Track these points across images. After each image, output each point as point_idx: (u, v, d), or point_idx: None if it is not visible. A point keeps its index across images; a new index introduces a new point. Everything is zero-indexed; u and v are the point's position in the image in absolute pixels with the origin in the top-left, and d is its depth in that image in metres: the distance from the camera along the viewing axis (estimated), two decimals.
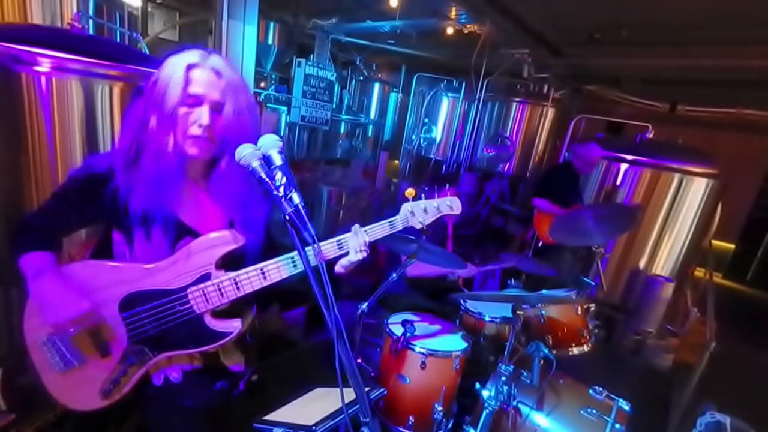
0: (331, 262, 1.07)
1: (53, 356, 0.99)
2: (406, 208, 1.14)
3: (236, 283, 0.98)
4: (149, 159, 0.96)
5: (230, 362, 1.13)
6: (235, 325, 1.02)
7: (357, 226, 1.07)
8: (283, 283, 1.01)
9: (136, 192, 0.95)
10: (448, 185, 2.69)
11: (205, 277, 0.98)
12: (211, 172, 1.06)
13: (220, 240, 1.00)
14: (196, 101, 0.96)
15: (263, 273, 0.98)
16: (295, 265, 0.99)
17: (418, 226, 1.16)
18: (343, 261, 1.07)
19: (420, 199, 1.16)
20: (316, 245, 0.84)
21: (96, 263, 1.00)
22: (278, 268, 0.99)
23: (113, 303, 0.98)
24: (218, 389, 1.12)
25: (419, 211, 1.15)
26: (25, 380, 1.19)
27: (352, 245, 1.04)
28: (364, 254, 1.05)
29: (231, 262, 1.01)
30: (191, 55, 0.98)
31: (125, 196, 0.95)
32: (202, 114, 0.96)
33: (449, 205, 1.20)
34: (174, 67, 0.96)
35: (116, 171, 0.96)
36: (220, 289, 0.97)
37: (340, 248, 1.04)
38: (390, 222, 1.12)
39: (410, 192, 1.17)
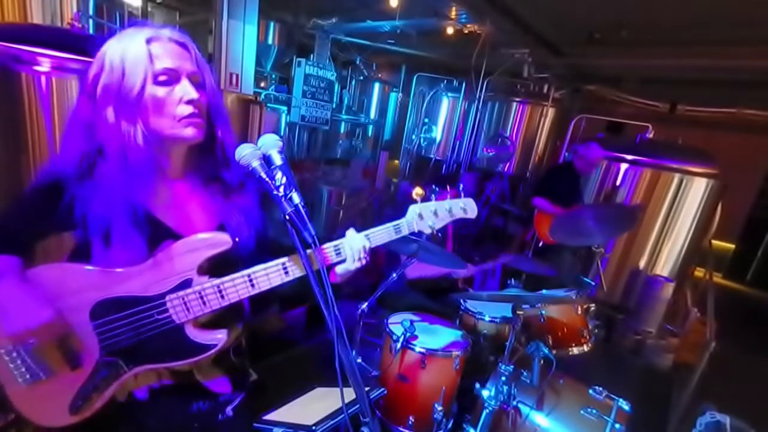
0: (328, 269, 0.96)
1: (17, 368, 0.88)
2: (414, 210, 1.00)
3: (220, 291, 0.88)
4: (115, 160, 0.84)
5: (206, 379, 1.01)
6: (219, 337, 0.92)
7: (352, 230, 0.95)
8: (282, 286, 0.92)
9: (101, 199, 0.83)
10: (448, 187, 2.69)
11: (186, 284, 0.88)
12: (198, 163, 0.96)
13: (204, 242, 0.89)
14: (171, 76, 0.84)
15: (251, 280, 0.89)
16: (287, 273, 0.90)
17: (428, 231, 1.01)
18: (339, 269, 0.96)
19: (430, 200, 1.03)
20: (316, 248, 0.79)
21: (63, 266, 0.89)
22: (267, 276, 0.89)
23: (84, 310, 0.87)
24: (196, 411, 1.00)
25: (429, 213, 1.00)
26: None
27: (349, 252, 0.92)
28: (363, 262, 0.94)
29: (220, 266, 0.91)
30: (142, 30, 0.85)
31: (88, 205, 0.83)
32: (186, 89, 0.85)
33: (463, 207, 1.04)
34: (127, 44, 0.82)
35: (69, 182, 0.84)
36: (201, 297, 0.88)
37: (338, 254, 0.93)
38: (395, 226, 0.98)
39: (419, 192, 1.05)
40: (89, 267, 0.88)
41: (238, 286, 0.89)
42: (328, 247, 0.93)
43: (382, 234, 0.97)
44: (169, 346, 0.91)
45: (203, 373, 1.00)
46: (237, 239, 0.93)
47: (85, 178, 0.84)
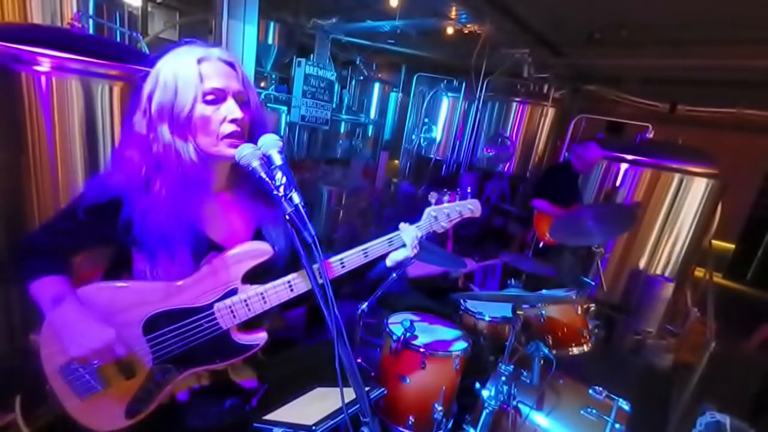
0: (382, 257, 1.07)
1: (75, 383, 0.96)
2: (430, 213, 1.11)
3: (263, 297, 0.95)
4: (172, 175, 0.87)
5: (240, 378, 1.09)
6: (261, 337, 1.00)
7: (405, 224, 1.08)
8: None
9: (157, 214, 0.87)
10: (447, 190, 2.69)
11: (232, 292, 0.94)
12: (242, 177, 0.99)
13: (248, 254, 0.95)
14: (219, 96, 0.88)
15: (290, 286, 0.96)
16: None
17: (440, 230, 1.14)
18: (398, 256, 1.07)
19: (442, 202, 1.15)
20: (320, 259, 0.81)
21: (112, 286, 0.94)
22: (304, 280, 0.96)
23: (137, 325, 0.93)
24: (229, 407, 1.09)
25: (443, 215, 1.13)
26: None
27: (408, 241, 1.05)
28: (416, 250, 1.07)
29: (257, 272, 0.97)
30: (194, 49, 0.89)
31: (144, 220, 0.87)
32: (231, 108, 0.88)
33: (470, 208, 1.18)
34: (179, 64, 0.87)
35: (128, 197, 0.87)
36: (247, 305, 0.95)
37: (390, 244, 1.05)
38: (416, 227, 1.10)
39: (433, 195, 1.18)
40: (140, 284, 0.94)
41: (279, 291, 0.96)
42: (382, 240, 1.04)
43: (424, 226, 1.11)
44: (216, 350, 0.98)
45: (237, 372, 1.09)
46: (276, 248, 0.99)
47: (143, 193, 0.88)
